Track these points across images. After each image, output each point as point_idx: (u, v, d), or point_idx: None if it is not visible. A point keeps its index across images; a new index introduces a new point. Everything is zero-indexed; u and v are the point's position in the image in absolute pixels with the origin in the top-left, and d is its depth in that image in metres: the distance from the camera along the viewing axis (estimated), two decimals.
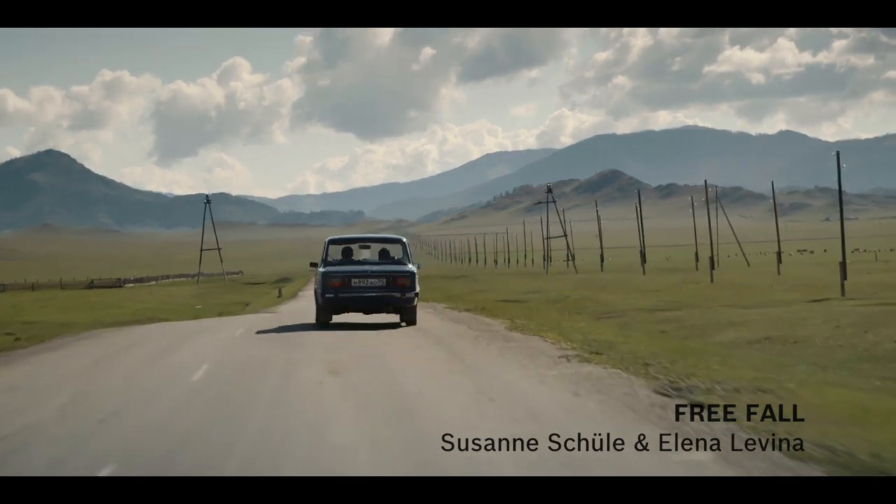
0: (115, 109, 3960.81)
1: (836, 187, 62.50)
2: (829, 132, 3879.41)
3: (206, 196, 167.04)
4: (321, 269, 32.64)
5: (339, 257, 33.79)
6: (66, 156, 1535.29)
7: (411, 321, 32.42)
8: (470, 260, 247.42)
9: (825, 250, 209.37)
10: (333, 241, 34.28)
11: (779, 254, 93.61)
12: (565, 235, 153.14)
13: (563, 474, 11.83)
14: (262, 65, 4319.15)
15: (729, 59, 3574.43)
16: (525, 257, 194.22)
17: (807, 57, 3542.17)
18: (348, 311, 32.63)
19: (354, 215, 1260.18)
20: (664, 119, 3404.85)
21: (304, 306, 52.47)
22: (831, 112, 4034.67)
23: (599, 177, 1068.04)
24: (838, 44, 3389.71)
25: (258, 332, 30.50)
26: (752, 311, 38.00)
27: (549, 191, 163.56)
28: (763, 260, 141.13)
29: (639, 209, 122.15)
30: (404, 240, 34.75)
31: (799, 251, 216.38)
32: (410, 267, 32.71)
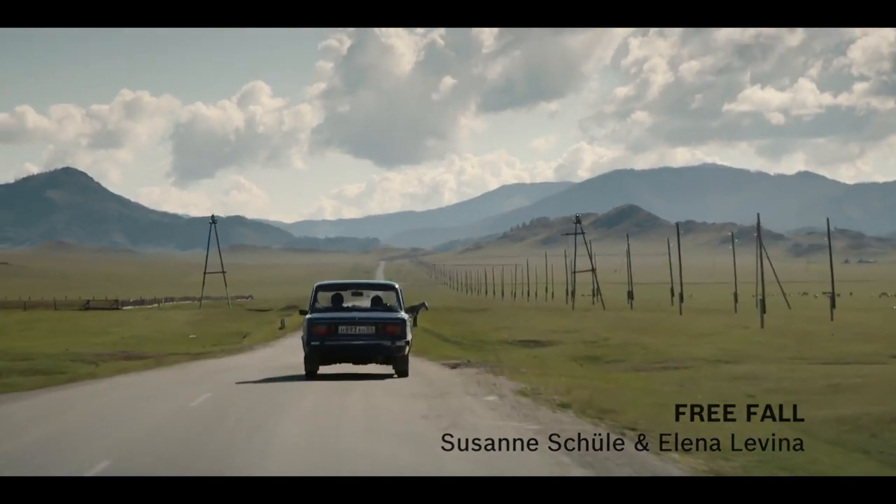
0: (134, 129, 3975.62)
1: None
2: (847, 174, 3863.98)
3: (212, 216, 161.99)
4: (307, 316, 30.79)
5: (329, 304, 31.92)
6: (84, 174, 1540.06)
7: (403, 372, 30.40)
8: (486, 291, 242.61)
9: (851, 293, 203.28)
10: (322, 287, 32.35)
11: (833, 297, 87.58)
12: (593, 270, 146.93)
13: (563, 474, 11.94)
14: (282, 89, 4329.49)
15: (749, 97, 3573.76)
16: (546, 290, 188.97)
17: (827, 98, 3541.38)
18: (336, 360, 30.66)
19: (370, 242, 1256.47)
20: (683, 156, 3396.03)
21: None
22: (850, 154, 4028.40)
23: (617, 211, 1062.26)
24: (859, 86, 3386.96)
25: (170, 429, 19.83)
26: (838, 368, 31.79)
27: (578, 221, 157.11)
28: (800, 302, 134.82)
29: (677, 245, 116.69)
30: (397, 286, 32.74)
31: (824, 293, 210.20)
32: (402, 314, 31.00)
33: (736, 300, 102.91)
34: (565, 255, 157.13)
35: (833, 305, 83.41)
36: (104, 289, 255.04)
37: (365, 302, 33.04)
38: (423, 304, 77.46)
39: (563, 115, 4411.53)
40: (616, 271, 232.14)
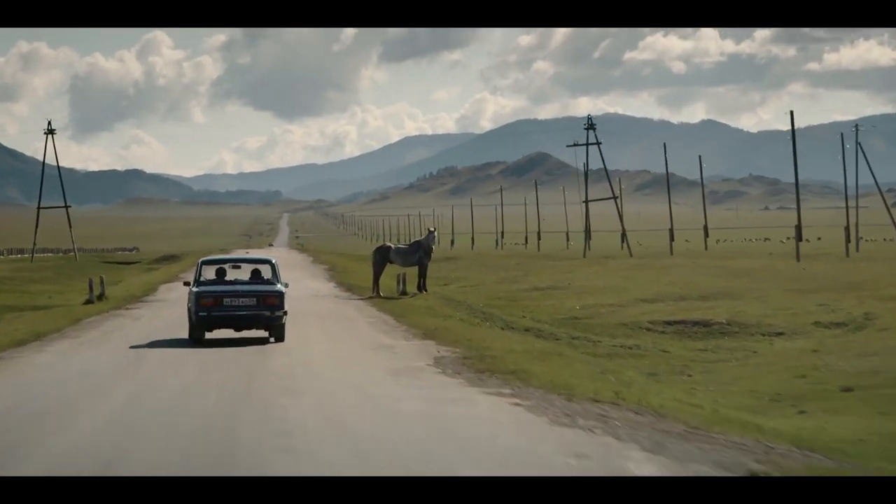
0: (30, 82, 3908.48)
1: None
2: (749, 122, 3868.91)
3: (49, 122, 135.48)
4: (194, 289, 33.76)
5: (213, 277, 34.82)
6: None
7: (280, 338, 33.53)
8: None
9: (819, 238, 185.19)
10: (206, 262, 35.82)
11: (797, 246, 73.31)
12: (619, 196, 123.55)
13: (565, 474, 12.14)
14: (182, 40, 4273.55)
15: (651, 45, 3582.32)
16: (501, 238, 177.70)
17: (729, 46, 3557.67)
18: (220, 328, 33.59)
19: (272, 195, 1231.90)
20: (585, 106, 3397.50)
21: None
22: (751, 103, 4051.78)
23: (527, 159, 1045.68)
24: (760, 34, 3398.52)
25: None
26: None
27: (591, 126, 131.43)
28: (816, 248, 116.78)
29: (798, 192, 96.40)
30: (273, 261, 36.07)
31: (805, 240, 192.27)
32: (279, 287, 34.14)
33: (848, 239, 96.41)
34: (500, 205, 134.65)
35: None
36: None
37: (244, 275, 35.76)
38: (430, 234, 53.08)
39: (466, 65, 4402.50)
40: (545, 219, 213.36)
